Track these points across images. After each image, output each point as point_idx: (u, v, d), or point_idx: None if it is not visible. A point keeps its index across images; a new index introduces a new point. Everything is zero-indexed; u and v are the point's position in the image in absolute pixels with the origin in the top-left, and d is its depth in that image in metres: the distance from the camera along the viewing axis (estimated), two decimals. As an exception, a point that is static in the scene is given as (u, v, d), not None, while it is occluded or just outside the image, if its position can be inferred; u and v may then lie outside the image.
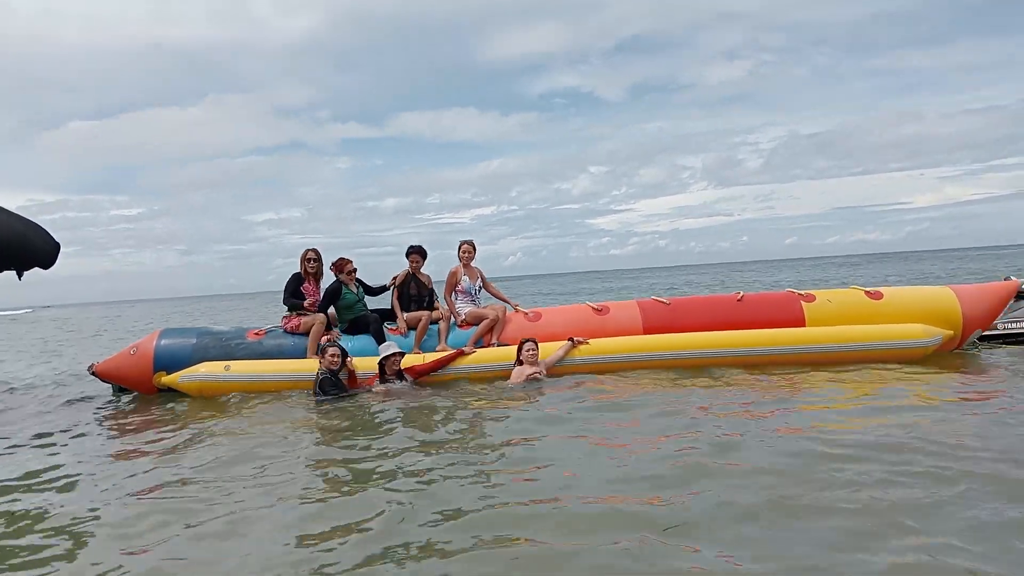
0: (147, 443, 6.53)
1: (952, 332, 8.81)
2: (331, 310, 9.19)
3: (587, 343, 8.57)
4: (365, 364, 8.35)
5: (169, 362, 8.95)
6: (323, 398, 7.76)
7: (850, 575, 3.12)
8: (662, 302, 9.34)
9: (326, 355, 8.05)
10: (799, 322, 8.94)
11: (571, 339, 8.51)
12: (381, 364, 8.13)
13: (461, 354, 8.51)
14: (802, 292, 9.37)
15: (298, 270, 9.37)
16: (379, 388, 8.03)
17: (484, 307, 9.26)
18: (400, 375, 8.20)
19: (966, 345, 9.23)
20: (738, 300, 9.30)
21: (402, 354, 8.34)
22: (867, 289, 9.33)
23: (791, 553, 3.35)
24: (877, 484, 4.14)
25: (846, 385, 7.30)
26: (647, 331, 8.91)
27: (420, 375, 8.30)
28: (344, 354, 8.17)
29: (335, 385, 7.93)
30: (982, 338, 9.62)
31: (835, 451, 4.82)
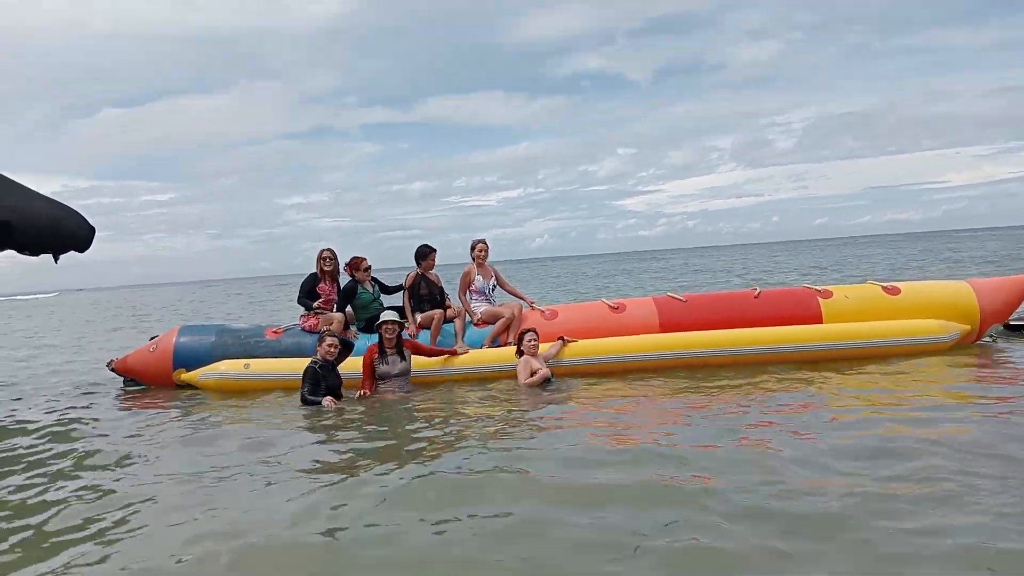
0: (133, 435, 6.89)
1: (969, 327, 8.79)
2: (348, 309, 9.27)
3: (576, 341, 8.57)
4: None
5: (188, 359, 9.08)
6: (308, 398, 7.47)
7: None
8: (678, 299, 9.30)
9: (323, 344, 7.80)
10: (816, 318, 8.89)
11: (561, 338, 8.53)
12: (378, 330, 8.09)
13: (454, 354, 8.55)
14: (819, 288, 9.34)
15: (315, 269, 9.45)
16: (356, 397, 7.71)
17: (500, 305, 9.24)
18: (399, 348, 8.13)
19: (985, 337, 9.23)
20: (755, 296, 9.27)
21: (401, 324, 8.28)
22: (884, 284, 9.28)
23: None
24: (887, 479, 4.18)
25: (864, 382, 7.27)
26: (663, 328, 8.88)
27: (417, 352, 8.33)
28: (346, 347, 7.97)
29: (316, 380, 7.56)
30: (1008, 327, 9.59)
31: (850, 452, 4.80)
